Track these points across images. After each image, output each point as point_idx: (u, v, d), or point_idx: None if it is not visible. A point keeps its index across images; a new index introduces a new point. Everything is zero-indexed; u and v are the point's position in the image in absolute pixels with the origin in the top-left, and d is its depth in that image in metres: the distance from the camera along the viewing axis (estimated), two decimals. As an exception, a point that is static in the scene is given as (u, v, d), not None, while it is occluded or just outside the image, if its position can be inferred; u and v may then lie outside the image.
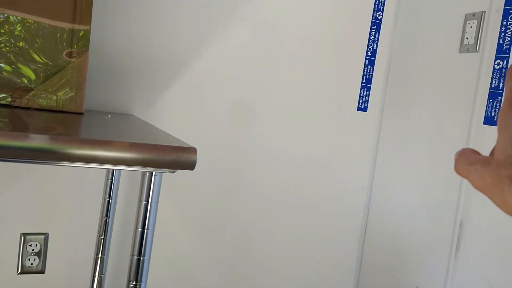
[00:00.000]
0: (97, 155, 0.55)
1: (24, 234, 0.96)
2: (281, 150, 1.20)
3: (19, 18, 0.78)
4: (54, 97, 0.81)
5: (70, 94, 0.82)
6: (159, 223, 0.97)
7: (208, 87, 1.09)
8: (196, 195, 1.11)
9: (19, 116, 0.74)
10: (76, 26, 0.82)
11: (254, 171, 1.17)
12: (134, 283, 0.62)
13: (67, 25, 0.82)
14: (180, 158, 0.58)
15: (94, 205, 0.99)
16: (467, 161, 0.31)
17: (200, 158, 1.01)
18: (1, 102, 0.79)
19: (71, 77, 0.82)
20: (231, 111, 1.13)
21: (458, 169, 0.32)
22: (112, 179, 0.94)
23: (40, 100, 0.81)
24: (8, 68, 0.79)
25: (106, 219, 0.94)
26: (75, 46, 0.82)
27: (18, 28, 0.78)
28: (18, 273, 0.97)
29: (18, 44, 0.79)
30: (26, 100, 0.81)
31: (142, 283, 0.63)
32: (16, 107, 0.80)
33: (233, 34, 1.10)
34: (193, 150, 0.59)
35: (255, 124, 1.16)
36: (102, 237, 0.94)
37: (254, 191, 1.18)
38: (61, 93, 0.81)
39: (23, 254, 0.96)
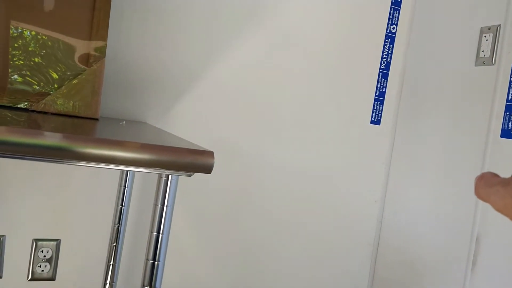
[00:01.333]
0: (115, 155, 0.55)
1: (36, 240, 0.96)
2: (293, 162, 1.19)
3: (33, 33, 0.79)
4: (71, 102, 0.82)
5: (86, 100, 0.83)
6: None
7: (219, 97, 1.10)
8: (205, 203, 1.10)
9: (35, 119, 0.74)
10: (93, 44, 0.83)
11: (266, 183, 1.16)
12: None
13: (83, 42, 0.83)
14: (197, 161, 0.58)
15: (107, 211, 0.98)
16: (488, 183, 0.31)
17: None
18: (19, 105, 0.80)
19: (87, 83, 0.82)
20: (243, 122, 1.12)
21: (478, 192, 0.32)
22: (125, 186, 0.94)
23: (57, 104, 0.82)
24: (20, 79, 0.80)
25: (119, 226, 0.94)
26: (92, 54, 0.83)
27: (32, 44, 0.79)
28: (28, 280, 0.96)
29: (33, 59, 0.80)
30: (42, 105, 0.81)
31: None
32: (33, 111, 0.81)
33: (245, 46, 1.11)
34: (210, 154, 0.59)
35: (268, 136, 1.16)
36: (114, 244, 0.94)
37: (264, 203, 1.17)
38: (77, 98, 0.82)
39: (34, 260, 0.96)
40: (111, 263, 0.94)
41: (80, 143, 0.54)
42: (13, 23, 0.80)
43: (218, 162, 1.08)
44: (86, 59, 0.82)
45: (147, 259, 0.62)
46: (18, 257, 0.95)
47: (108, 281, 0.94)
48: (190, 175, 0.59)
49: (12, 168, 0.92)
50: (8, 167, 0.92)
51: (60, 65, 0.81)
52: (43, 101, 0.81)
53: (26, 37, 0.79)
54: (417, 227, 1.19)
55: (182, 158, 0.57)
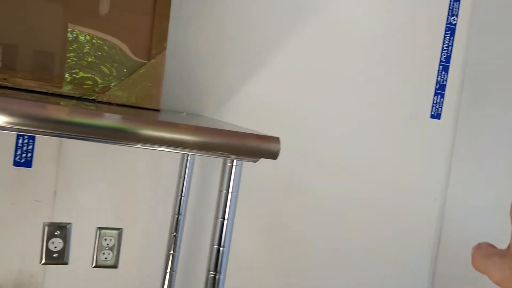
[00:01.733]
0: (181, 138, 0.56)
1: (100, 228, 0.99)
2: (349, 159, 1.17)
3: (87, 37, 0.82)
4: (133, 94, 0.84)
5: (148, 91, 0.85)
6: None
7: (276, 91, 1.09)
8: (259, 195, 1.11)
9: (100, 108, 0.77)
10: (153, 51, 0.85)
11: (321, 180, 1.15)
12: (214, 272, 0.62)
13: (145, 35, 0.85)
14: (263, 146, 0.58)
15: (167, 201, 1.01)
16: (485, 254, 0.31)
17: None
18: (86, 96, 0.83)
19: (149, 74, 0.84)
20: (299, 116, 1.12)
21: (475, 264, 0.31)
22: (185, 176, 0.95)
23: (120, 96, 0.85)
24: (85, 75, 0.83)
25: (178, 216, 0.95)
26: (153, 46, 0.85)
27: (87, 46, 0.82)
28: (93, 267, 1.00)
29: (97, 52, 0.83)
30: (108, 96, 0.84)
31: (221, 273, 0.62)
32: (99, 101, 0.84)
33: (301, 40, 1.10)
34: (276, 140, 0.59)
35: (326, 131, 1.14)
36: (174, 234, 0.95)
37: (319, 201, 1.15)
38: (140, 90, 0.84)
39: (98, 248, 0.99)
40: (171, 252, 0.96)
41: (150, 126, 0.55)
42: (71, 26, 0.83)
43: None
44: (148, 52, 0.85)
45: (213, 245, 0.63)
46: (83, 244, 0.98)
47: (168, 270, 0.96)
48: (255, 161, 0.59)
49: (78, 157, 0.96)
50: (74, 156, 0.96)
51: (121, 59, 0.84)
52: (108, 92, 0.84)
53: (82, 38, 0.82)
54: (479, 224, 1.13)
55: (249, 143, 0.57)
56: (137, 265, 1.03)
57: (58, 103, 0.65)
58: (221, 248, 0.62)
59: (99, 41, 0.83)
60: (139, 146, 0.59)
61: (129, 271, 1.03)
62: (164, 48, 0.84)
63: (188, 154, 0.95)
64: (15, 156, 0.92)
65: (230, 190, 0.62)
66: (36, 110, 0.56)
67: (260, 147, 0.57)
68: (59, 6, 0.82)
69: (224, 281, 0.63)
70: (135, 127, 0.56)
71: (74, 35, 0.82)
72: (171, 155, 1.01)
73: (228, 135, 0.57)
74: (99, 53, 0.83)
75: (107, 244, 1.00)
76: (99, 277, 1.01)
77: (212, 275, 0.62)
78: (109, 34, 0.83)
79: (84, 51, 0.82)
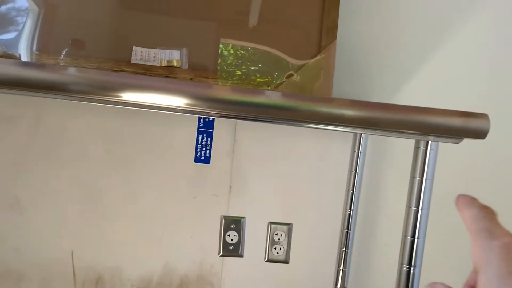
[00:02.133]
0: (371, 116, 0.52)
1: (271, 223, 1.01)
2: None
3: (240, 51, 0.84)
4: (309, 85, 0.84)
5: (321, 82, 0.84)
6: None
7: (441, 83, 0.99)
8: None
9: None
10: (323, 42, 0.84)
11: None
12: (408, 266, 0.57)
13: (315, 24, 0.84)
14: (469, 124, 0.51)
15: (337, 196, 0.98)
16: None
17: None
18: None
19: (319, 66, 0.83)
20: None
21: None
22: (356, 170, 0.92)
23: (296, 88, 0.85)
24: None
25: (350, 212, 0.92)
26: (323, 37, 0.84)
27: (238, 57, 0.84)
28: (265, 261, 1.02)
29: (243, 68, 0.84)
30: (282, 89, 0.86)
31: (416, 267, 0.57)
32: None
33: (466, 33, 0.98)
34: (485, 117, 0.51)
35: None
36: (346, 230, 0.92)
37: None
38: (313, 81, 0.84)
39: (270, 242, 1.01)
40: (344, 249, 0.92)
41: (319, 102, 0.53)
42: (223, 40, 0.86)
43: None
44: (318, 42, 0.84)
45: (405, 236, 0.58)
46: (256, 238, 1.01)
47: (341, 267, 0.93)
48: (457, 142, 0.53)
49: (250, 154, 1.00)
50: (246, 153, 1.00)
51: (280, 64, 0.84)
52: (282, 85, 0.86)
53: (230, 51, 0.84)
54: None
55: (450, 120, 0.51)
56: (307, 261, 1.02)
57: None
58: (416, 240, 0.57)
59: (250, 51, 0.85)
60: (313, 126, 0.57)
61: (300, 266, 1.02)
62: (335, 38, 0.83)
63: (359, 147, 0.91)
64: (196, 153, 0.99)
65: (425, 177, 0.57)
66: (210, 92, 0.58)
67: (466, 125, 0.51)
68: (213, 24, 0.86)
69: (420, 275, 0.58)
70: (310, 104, 0.54)
71: (225, 49, 0.85)
72: (340, 149, 0.99)
73: (424, 112, 0.52)
74: (255, 62, 0.84)
75: (278, 239, 1.01)
76: (271, 271, 1.03)
77: (406, 268, 0.57)
78: (262, 44, 0.85)
79: (241, 61, 0.85)
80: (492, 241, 0.28)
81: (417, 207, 0.57)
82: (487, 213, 0.31)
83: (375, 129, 0.54)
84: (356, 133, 0.90)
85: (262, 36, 0.84)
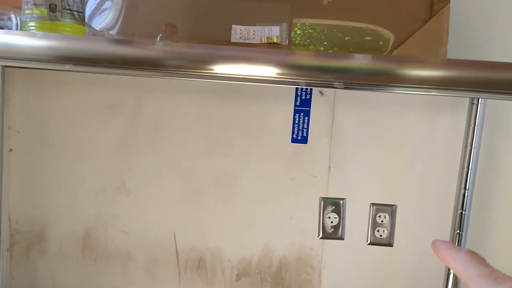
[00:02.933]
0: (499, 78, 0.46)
1: (373, 205, 0.96)
2: None
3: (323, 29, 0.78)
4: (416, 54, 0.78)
5: (432, 50, 0.77)
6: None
7: None
8: None
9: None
10: (435, 6, 0.77)
11: None
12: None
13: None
14: None
15: (446, 174, 0.91)
16: None
17: None
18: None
19: (432, 31, 0.76)
20: None
21: None
22: (472, 146, 0.84)
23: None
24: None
25: (465, 191, 0.85)
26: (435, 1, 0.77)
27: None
28: (367, 244, 0.98)
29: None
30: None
31: None
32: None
33: None
34: None
35: None
36: (460, 211, 0.85)
37: None
38: (422, 49, 0.77)
39: (372, 225, 0.97)
40: (458, 231, 0.86)
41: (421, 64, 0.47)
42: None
43: None
44: (430, 6, 0.77)
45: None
46: (357, 220, 0.97)
47: (455, 251, 0.86)
48: None
49: (349, 133, 0.96)
50: (345, 131, 0.96)
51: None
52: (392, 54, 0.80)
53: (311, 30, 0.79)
54: None
55: None
56: (413, 245, 0.97)
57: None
58: None
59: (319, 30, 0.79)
60: (412, 92, 0.52)
61: (404, 250, 0.97)
62: (449, 1, 0.75)
63: (475, 120, 0.83)
64: (293, 133, 0.96)
65: None
66: (301, 59, 0.55)
67: None
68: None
69: None
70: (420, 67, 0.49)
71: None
72: (447, 125, 0.91)
73: None
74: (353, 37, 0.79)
75: (382, 221, 0.96)
76: (374, 255, 0.99)
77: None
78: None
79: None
80: (499, 286, 0.28)
81: None
82: (478, 257, 0.31)
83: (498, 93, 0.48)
84: (473, 103, 0.82)
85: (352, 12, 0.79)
